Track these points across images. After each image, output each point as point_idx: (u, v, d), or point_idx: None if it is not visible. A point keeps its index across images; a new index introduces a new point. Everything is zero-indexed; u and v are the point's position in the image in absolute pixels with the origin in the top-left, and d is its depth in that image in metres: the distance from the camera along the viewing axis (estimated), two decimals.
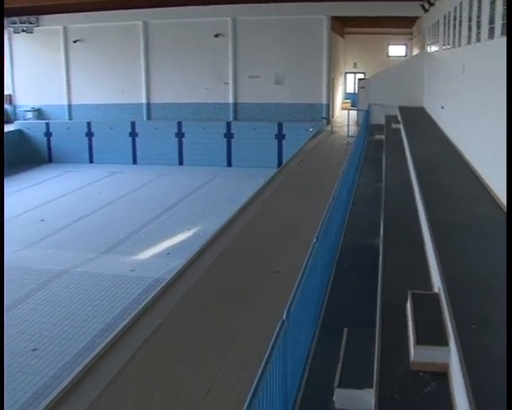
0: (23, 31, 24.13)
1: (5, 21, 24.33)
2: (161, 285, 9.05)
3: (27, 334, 8.68)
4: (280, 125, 21.42)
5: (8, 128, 23.68)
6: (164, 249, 11.82)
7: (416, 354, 4.73)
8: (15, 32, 24.39)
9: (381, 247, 7.33)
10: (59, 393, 6.54)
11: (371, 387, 4.84)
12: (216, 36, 22.21)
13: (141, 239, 12.73)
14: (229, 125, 21.91)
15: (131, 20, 22.89)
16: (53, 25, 23.98)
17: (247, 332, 7.14)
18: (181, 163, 21.80)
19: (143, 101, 23.33)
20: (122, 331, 7.41)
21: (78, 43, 23.77)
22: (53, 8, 22.06)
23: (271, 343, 4.36)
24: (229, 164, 21.34)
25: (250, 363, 6.38)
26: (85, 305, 9.47)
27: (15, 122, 24.23)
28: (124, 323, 8.04)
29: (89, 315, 9.07)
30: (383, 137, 15.87)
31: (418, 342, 4.77)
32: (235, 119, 22.43)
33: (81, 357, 7.76)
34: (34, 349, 8.17)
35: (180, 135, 22.13)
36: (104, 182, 19.18)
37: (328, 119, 22.19)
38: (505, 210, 7.22)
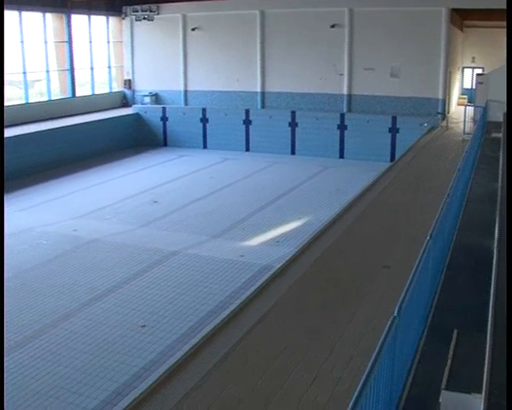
0: (144, 18, 24.81)
1: (128, 10, 25.10)
2: (270, 273, 9.14)
3: (137, 311, 8.95)
4: (394, 119, 21.08)
5: (126, 112, 24.43)
6: (273, 237, 11.89)
7: None
8: (137, 20, 25.11)
9: (495, 247, 7.11)
10: (166, 370, 6.72)
11: (480, 392, 4.72)
12: (332, 26, 22.06)
13: (251, 226, 12.86)
14: (342, 116, 21.76)
15: (248, 9, 23.10)
16: (172, 13, 24.52)
17: (354, 326, 7.12)
18: (293, 153, 21.85)
19: (258, 89, 23.50)
20: (230, 315, 7.55)
21: (195, 31, 24.20)
22: None
23: (381, 339, 4.33)
24: (342, 156, 21.21)
25: (355, 358, 6.36)
26: (194, 286, 9.67)
27: (133, 106, 24.96)
28: (232, 307, 8.17)
29: (197, 296, 9.26)
30: (501, 135, 15.36)
31: None
32: (349, 110, 22.25)
33: (188, 337, 7.94)
34: (143, 326, 8.42)
35: (293, 124, 22.16)
36: (217, 167, 19.47)
37: (444, 114, 21.64)
38: None
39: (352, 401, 3.70)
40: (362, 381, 3.89)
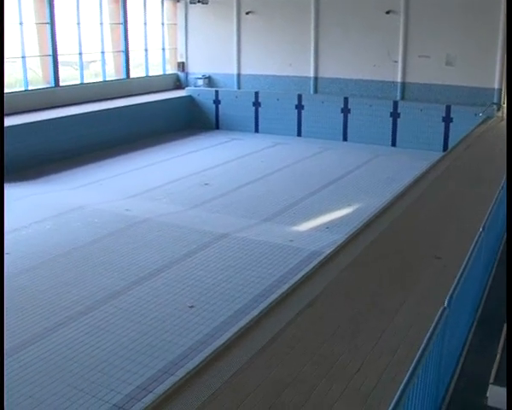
0: (198, 1, 24.84)
1: None
2: (319, 259, 9.13)
3: (186, 291, 9.05)
4: (448, 108, 20.73)
5: (179, 94, 24.57)
6: (323, 223, 11.85)
7: None
8: (191, 3, 25.15)
9: None
10: (213, 352, 6.77)
11: None
12: (387, 12, 21.76)
13: (300, 211, 12.84)
14: (395, 104, 21.49)
15: None
16: None
17: (403, 315, 7.07)
18: (345, 139, 21.70)
19: (311, 74, 23.37)
20: (278, 300, 7.56)
21: (250, 14, 24.15)
22: None
23: (431, 329, 4.30)
24: (394, 144, 20.97)
25: (402, 347, 6.32)
26: (243, 269, 9.72)
27: (186, 88, 25.07)
28: (280, 291, 8.18)
29: (246, 280, 9.31)
30: None
31: None
32: (402, 98, 21.98)
33: (235, 319, 8.01)
34: (191, 306, 8.51)
35: (346, 111, 21.99)
36: (268, 152, 19.46)
37: (500, 104, 21.21)
38: None
39: (399, 391, 3.69)
40: (410, 371, 3.88)
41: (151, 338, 7.65)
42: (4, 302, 6.93)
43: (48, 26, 20.42)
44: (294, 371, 6.12)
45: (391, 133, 21.18)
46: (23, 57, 19.79)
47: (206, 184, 15.20)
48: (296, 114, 22.61)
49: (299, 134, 22.40)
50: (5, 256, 10.53)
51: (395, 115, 21.23)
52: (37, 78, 20.98)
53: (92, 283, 9.42)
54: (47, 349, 7.47)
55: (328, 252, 9.68)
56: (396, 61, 21.99)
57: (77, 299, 8.84)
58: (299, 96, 22.64)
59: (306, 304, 7.49)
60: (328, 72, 23.08)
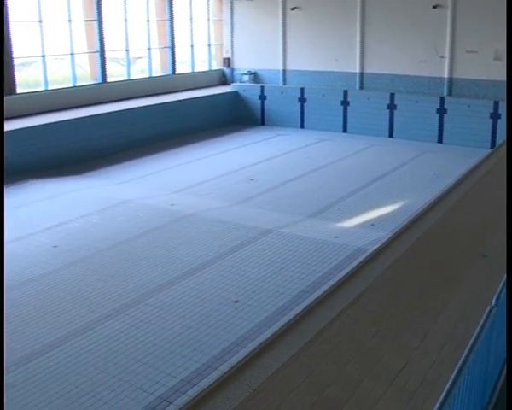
0: None
1: None
2: (364, 255, 9.07)
3: (231, 286, 9.08)
4: (496, 104, 20.38)
5: (225, 90, 24.63)
6: (368, 220, 11.77)
7: None
8: None
9: None
10: (256, 347, 6.78)
11: None
12: (434, 7, 21.46)
13: (346, 207, 12.76)
14: (442, 100, 21.21)
15: None
16: None
17: (448, 314, 6.99)
18: (391, 135, 21.49)
19: (357, 70, 23.20)
20: (322, 296, 7.54)
21: (295, 10, 24.07)
22: None
23: (478, 328, 4.24)
24: (440, 140, 20.69)
25: (447, 346, 6.25)
26: (287, 265, 9.71)
27: (232, 84, 25.13)
28: (325, 288, 8.17)
29: (290, 275, 9.30)
30: None
31: None
32: (449, 94, 21.69)
33: (279, 315, 8.01)
34: (236, 301, 8.52)
35: (392, 107, 21.79)
36: (313, 148, 19.39)
37: None
38: None
39: (445, 390, 3.65)
40: (456, 370, 3.83)
41: (195, 332, 7.70)
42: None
43: (96, 24, 20.69)
44: (338, 368, 6.10)
45: (437, 130, 20.91)
46: (71, 54, 20.08)
47: (251, 180, 15.22)
48: (342, 110, 22.48)
49: (344, 130, 22.27)
50: (53, 249, 10.73)
51: (442, 112, 20.96)
52: (85, 74, 21.26)
53: (137, 276, 9.52)
54: (93, 341, 7.58)
55: (373, 249, 9.62)
56: (443, 57, 21.70)
57: (122, 292, 8.95)
58: (345, 92, 22.52)
59: (351, 301, 7.45)
60: (373, 67, 22.89)
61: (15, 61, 18.34)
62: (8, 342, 7.59)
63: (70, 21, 19.85)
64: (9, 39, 17.99)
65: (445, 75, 21.76)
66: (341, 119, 22.49)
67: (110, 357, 7.16)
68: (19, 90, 18.53)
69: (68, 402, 6.28)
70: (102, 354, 7.27)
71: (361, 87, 23.09)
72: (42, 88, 19.41)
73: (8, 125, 16.77)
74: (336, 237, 10.79)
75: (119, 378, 6.69)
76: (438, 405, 3.50)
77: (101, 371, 6.87)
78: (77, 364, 7.05)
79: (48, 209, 13.41)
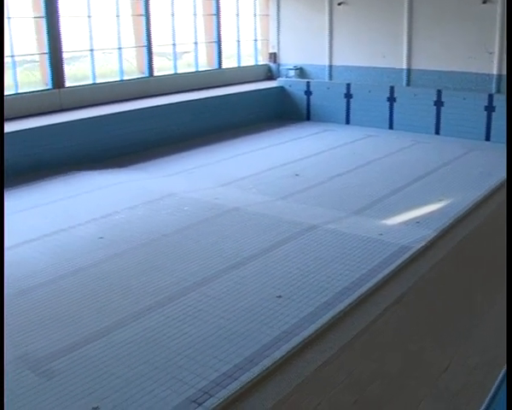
0: None
1: None
2: (409, 253, 9.00)
3: (274, 281, 9.05)
4: None
5: (271, 85, 24.62)
6: (413, 218, 11.62)
7: None
8: None
9: None
10: (299, 343, 6.79)
11: None
12: (484, 2, 21.06)
13: (390, 205, 12.63)
14: (490, 97, 20.84)
15: None
16: None
17: (494, 315, 6.89)
18: (437, 132, 21.20)
19: (403, 66, 22.95)
20: (366, 294, 7.51)
21: (342, 5, 23.91)
22: None
23: None
24: (488, 138, 20.34)
25: (492, 348, 6.17)
26: (331, 262, 9.65)
27: (278, 79, 25.09)
28: (369, 285, 8.12)
29: (333, 272, 9.24)
30: None
31: None
32: (498, 91, 21.30)
33: (323, 311, 7.95)
34: (279, 296, 8.50)
35: (439, 104, 21.49)
36: (359, 144, 19.24)
37: None
38: None
39: (490, 393, 3.59)
40: (501, 373, 3.77)
41: (237, 326, 7.70)
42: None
43: (143, 18, 20.87)
44: (380, 366, 6.07)
45: (485, 127, 20.57)
46: (119, 48, 20.31)
47: (296, 175, 15.17)
48: (388, 107, 22.27)
49: (390, 127, 22.07)
50: (98, 240, 10.87)
51: (490, 109, 20.59)
52: (132, 68, 21.47)
53: (181, 269, 9.56)
54: (136, 332, 7.64)
55: (418, 247, 9.55)
56: (492, 53, 21.34)
57: (166, 285, 9.01)
58: (392, 89, 22.29)
59: (395, 299, 7.41)
60: (420, 64, 22.61)
61: (64, 55, 18.60)
62: (53, 331, 7.74)
63: (118, 16, 20.09)
64: (59, 34, 18.26)
65: (494, 72, 21.37)
66: (387, 115, 22.28)
67: (153, 348, 7.22)
68: (67, 84, 18.79)
69: (111, 391, 6.35)
70: (145, 345, 7.33)
71: (408, 83, 22.84)
72: (90, 81, 19.67)
73: (57, 118, 17.06)
74: (381, 235, 10.69)
75: (161, 370, 6.73)
76: (483, 408, 3.46)
77: (144, 362, 6.93)
78: (120, 354, 7.13)
79: (94, 201, 13.57)
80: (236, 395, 6.14)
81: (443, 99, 21.32)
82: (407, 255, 9.39)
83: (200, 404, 6.09)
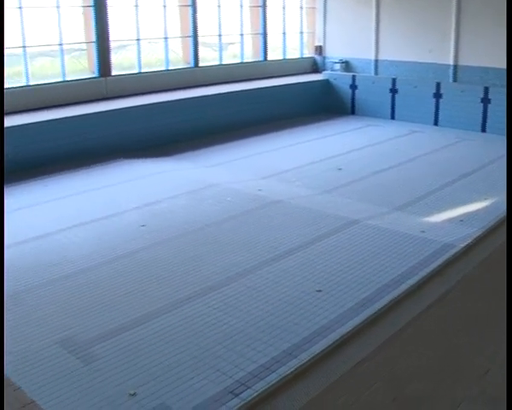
0: None
1: None
2: (452, 252, 8.88)
3: (314, 274, 9.02)
4: None
5: (316, 77, 24.51)
6: (457, 216, 11.45)
7: None
8: None
9: None
10: (338, 339, 6.75)
11: None
12: None
13: (434, 202, 12.47)
14: None
15: None
16: None
17: None
18: (483, 130, 20.86)
19: (450, 62, 22.61)
20: (407, 291, 7.44)
21: None
22: None
23: None
24: None
25: None
26: (372, 257, 9.57)
27: (323, 72, 24.96)
28: (410, 282, 8.04)
29: (374, 268, 9.17)
30: None
31: None
32: None
33: (363, 307, 7.89)
34: (319, 290, 8.47)
35: (486, 101, 21.15)
36: (403, 139, 19.05)
37: None
38: None
39: None
40: None
41: (277, 319, 7.69)
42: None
43: (190, 9, 20.96)
44: (420, 365, 6.01)
45: None
46: (165, 38, 20.43)
47: (340, 170, 15.09)
48: (434, 103, 21.99)
49: (435, 123, 21.80)
50: (141, 228, 10.97)
51: None
52: (178, 58, 21.58)
53: (222, 260, 9.59)
54: (175, 321, 7.69)
55: (462, 246, 9.42)
56: None
57: (207, 275, 9.04)
58: (438, 85, 22.01)
59: (436, 298, 7.32)
60: (468, 59, 22.26)
61: (111, 44, 18.78)
62: (93, 316, 7.84)
63: (165, 6, 20.20)
64: (107, 23, 18.44)
65: None
66: (433, 111, 22.01)
67: (192, 338, 7.25)
68: (113, 73, 18.97)
69: (150, 378, 6.40)
70: (184, 333, 7.37)
71: (454, 80, 22.52)
72: (135, 71, 19.83)
73: (103, 106, 17.25)
74: (423, 232, 10.57)
75: (200, 359, 6.76)
76: None
77: (183, 350, 6.97)
78: (159, 341, 7.18)
79: (137, 189, 13.69)
80: (274, 387, 6.14)
81: (490, 96, 20.98)
82: (450, 254, 9.26)
83: (236, 395, 6.10)
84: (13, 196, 12.79)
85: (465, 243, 9.67)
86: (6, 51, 15.78)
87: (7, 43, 15.71)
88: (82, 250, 10.11)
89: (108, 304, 8.22)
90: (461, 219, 11.27)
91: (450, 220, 11.32)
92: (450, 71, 22.59)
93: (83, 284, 8.85)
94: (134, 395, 6.14)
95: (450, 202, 12.47)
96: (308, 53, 26.37)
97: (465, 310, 6.92)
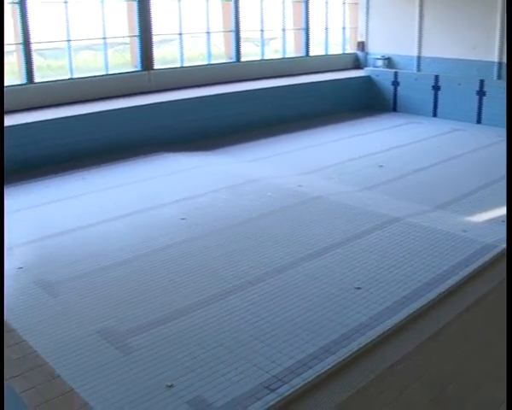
0: None
1: None
2: (494, 252, 8.76)
3: (354, 271, 8.97)
4: None
5: (358, 74, 24.37)
6: (499, 216, 11.27)
7: None
8: None
9: None
10: (377, 337, 6.72)
11: None
12: None
13: (476, 201, 12.31)
14: None
15: None
16: None
17: None
18: None
19: (495, 59, 22.28)
20: (448, 291, 7.36)
21: None
22: None
23: None
24: None
25: None
26: (412, 256, 9.49)
27: (365, 69, 24.80)
28: (450, 282, 7.95)
29: (414, 266, 9.09)
30: None
31: None
32: None
33: (402, 305, 7.84)
34: (358, 288, 8.43)
35: None
36: (445, 137, 18.83)
37: None
38: None
39: None
40: None
41: (314, 315, 7.68)
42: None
43: (232, 4, 21.00)
44: (459, 366, 5.94)
45: None
46: (207, 33, 20.52)
47: (380, 167, 14.99)
48: (477, 101, 21.67)
49: (478, 121, 21.49)
50: (181, 221, 11.04)
51: None
52: (220, 53, 21.65)
53: (261, 255, 9.61)
54: (213, 314, 7.72)
55: (503, 247, 9.28)
56: None
57: (245, 269, 9.06)
58: (481, 82, 21.68)
59: (476, 299, 7.23)
60: None
61: (154, 38, 18.92)
62: (133, 307, 7.92)
63: (207, 1, 20.27)
64: (150, 17, 18.59)
65: None
66: (476, 109, 21.70)
67: (229, 332, 7.28)
68: (156, 66, 19.11)
69: (188, 371, 6.45)
70: (222, 327, 7.40)
71: (499, 77, 22.17)
72: (178, 65, 19.94)
73: (145, 100, 17.39)
74: (464, 231, 10.45)
75: (236, 354, 6.78)
76: None
77: (220, 344, 7.00)
78: (197, 335, 7.22)
79: (178, 182, 13.79)
80: (311, 384, 6.13)
81: None
82: (491, 254, 9.14)
83: (272, 390, 6.11)
84: (57, 187, 13.05)
85: (507, 245, 9.53)
86: (51, 45, 16.01)
87: (52, 37, 15.92)
88: (122, 242, 10.21)
89: (147, 296, 8.29)
90: (502, 220, 11.10)
91: (493, 220, 11.16)
92: (495, 68, 22.24)
93: (122, 276, 8.95)
94: (171, 386, 6.20)
95: (491, 202, 12.29)
96: (350, 49, 26.24)
97: (504, 313, 6.80)
